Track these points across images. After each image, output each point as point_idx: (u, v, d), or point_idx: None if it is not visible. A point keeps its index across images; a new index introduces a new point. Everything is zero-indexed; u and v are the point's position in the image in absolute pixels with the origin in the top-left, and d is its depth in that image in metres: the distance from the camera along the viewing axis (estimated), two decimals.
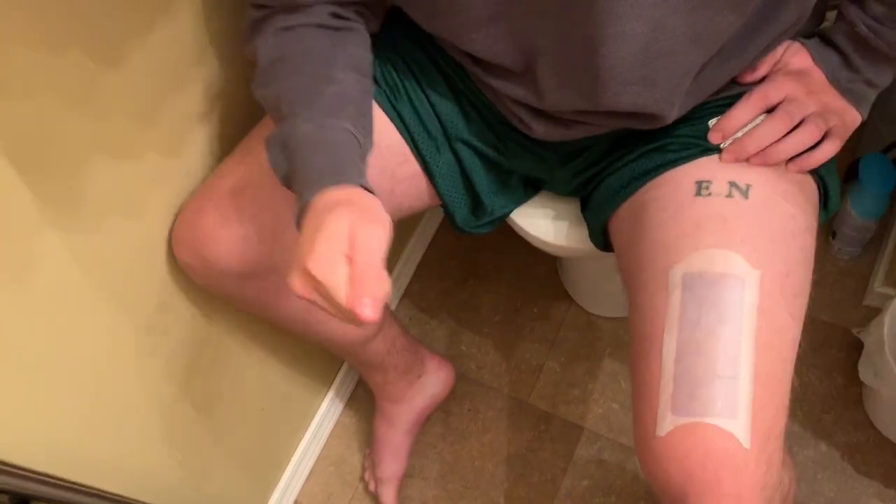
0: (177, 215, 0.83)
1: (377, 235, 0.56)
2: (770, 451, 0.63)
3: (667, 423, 0.63)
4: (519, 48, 0.68)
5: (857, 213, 1.15)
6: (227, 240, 0.79)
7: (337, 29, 0.72)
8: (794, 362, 0.67)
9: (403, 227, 1.36)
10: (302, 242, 0.58)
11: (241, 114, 0.89)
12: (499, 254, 1.41)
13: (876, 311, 1.22)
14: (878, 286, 1.20)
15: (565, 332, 1.32)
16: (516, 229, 0.95)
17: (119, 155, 0.74)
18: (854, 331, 1.13)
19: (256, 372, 1.08)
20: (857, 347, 1.16)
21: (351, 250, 0.55)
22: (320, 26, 0.71)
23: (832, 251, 1.27)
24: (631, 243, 0.74)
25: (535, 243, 0.94)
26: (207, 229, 0.79)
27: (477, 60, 0.74)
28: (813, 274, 0.71)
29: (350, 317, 0.54)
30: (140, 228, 0.80)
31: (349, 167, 0.63)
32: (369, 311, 0.53)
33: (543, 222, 0.93)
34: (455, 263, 1.42)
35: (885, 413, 1.09)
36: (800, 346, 0.68)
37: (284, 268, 0.82)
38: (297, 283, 0.57)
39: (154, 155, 0.79)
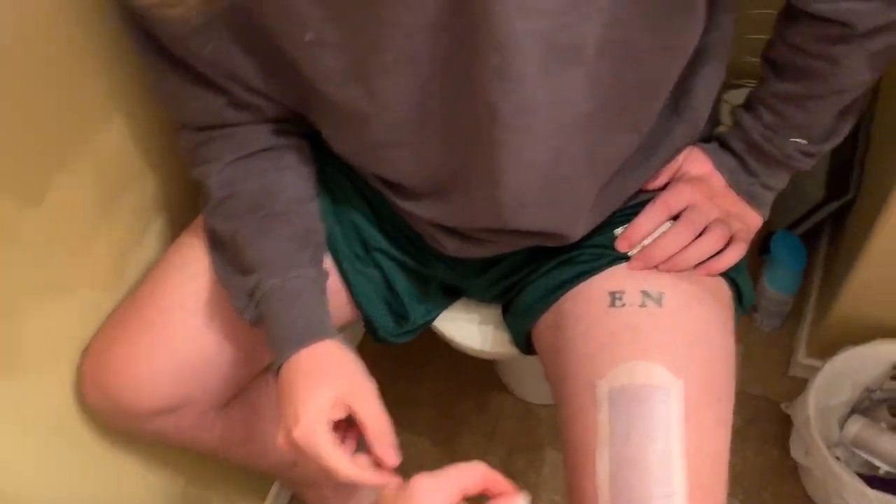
0: (83, 352, 0.79)
1: (372, 404, 0.65)
2: None
3: None
4: (425, 172, 0.69)
5: (773, 289, 1.18)
6: (138, 378, 0.76)
7: (281, 149, 0.75)
8: (726, 466, 0.66)
9: None
10: (285, 408, 0.64)
11: (151, 231, 0.87)
12: (428, 349, 1.39)
13: (801, 382, 1.24)
14: (801, 358, 1.22)
15: (503, 422, 1.31)
16: (441, 336, 0.94)
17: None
18: (782, 406, 1.14)
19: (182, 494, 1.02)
20: (788, 420, 1.17)
21: (348, 429, 0.66)
22: (266, 151, 0.74)
23: (755, 323, 1.30)
24: (554, 353, 0.74)
25: (460, 349, 0.93)
26: (116, 368, 0.76)
27: (388, 182, 0.74)
28: (737, 354, 0.71)
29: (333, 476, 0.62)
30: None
31: (320, 324, 0.69)
32: (395, 458, 0.63)
33: (468, 328, 0.92)
34: (386, 363, 1.39)
35: (819, 489, 1.09)
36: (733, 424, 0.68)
37: (203, 399, 0.81)
38: (285, 447, 0.64)
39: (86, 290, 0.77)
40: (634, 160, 0.69)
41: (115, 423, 0.80)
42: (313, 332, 0.67)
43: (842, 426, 1.10)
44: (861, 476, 0.97)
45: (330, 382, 0.64)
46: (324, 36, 0.59)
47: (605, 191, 0.69)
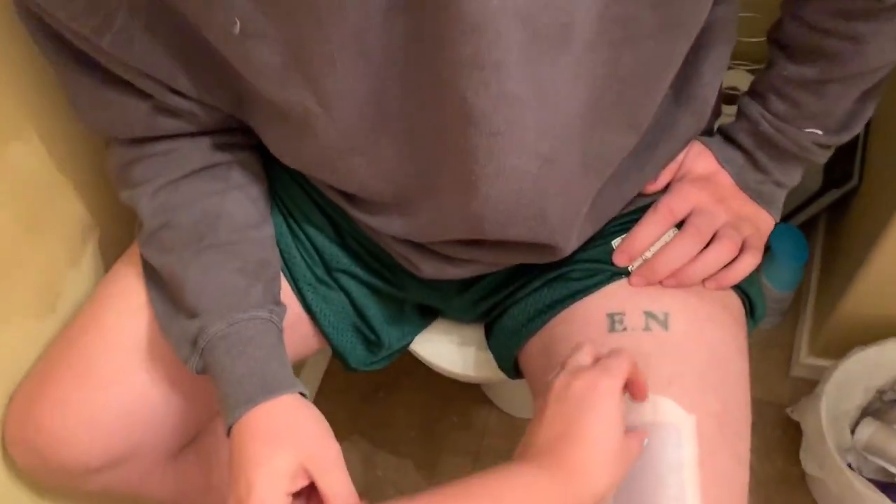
0: (7, 406, 0.69)
1: (336, 472, 0.56)
2: None
3: None
4: (386, 183, 0.59)
5: (773, 285, 1.11)
6: (71, 430, 0.66)
7: (223, 167, 0.65)
8: None
9: None
10: (237, 476, 0.55)
11: (82, 262, 0.76)
12: (407, 359, 1.30)
13: (804, 382, 1.17)
14: (803, 358, 1.15)
15: (489, 440, 1.22)
16: (419, 358, 0.85)
17: None
18: (787, 411, 1.06)
19: None
20: (793, 424, 1.10)
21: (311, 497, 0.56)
22: (206, 169, 0.64)
23: None
24: (545, 384, 0.65)
25: (441, 372, 0.84)
26: (44, 421, 0.66)
27: (346, 195, 0.64)
28: None
29: None
30: None
31: (274, 378, 0.59)
32: None
33: (447, 350, 0.83)
34: (362, 376, 1.30)
35: (834, 501, 1.02)
36: None
37: (151, 450, 0.71)
38: None
39: None
40: (633, 160, 0.60)
41: (51, 483, 0.70)
42: (267, 388, 0.58)
43: (853, 431, 1.03)
44: (875, 483, 0.91)
45: (288, 447, 0.55)
46: (255, 26, 0.49)
47: (599, 197, 0.60)
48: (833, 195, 1.10)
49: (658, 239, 0.64)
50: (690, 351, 0.60)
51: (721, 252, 0.63)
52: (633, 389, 0.56)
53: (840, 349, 1.02)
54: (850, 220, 1.10)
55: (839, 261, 1.10)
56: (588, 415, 0.50)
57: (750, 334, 0.68)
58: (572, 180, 0.55)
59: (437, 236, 0.63)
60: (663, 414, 0.57)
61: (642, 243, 0.64)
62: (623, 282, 0.64)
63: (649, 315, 0.61)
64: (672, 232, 0.65)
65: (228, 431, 0.58)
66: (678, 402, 0.57)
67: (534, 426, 0.53)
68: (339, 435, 1.23)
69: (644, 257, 0.64)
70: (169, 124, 0.61)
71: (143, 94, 0.58)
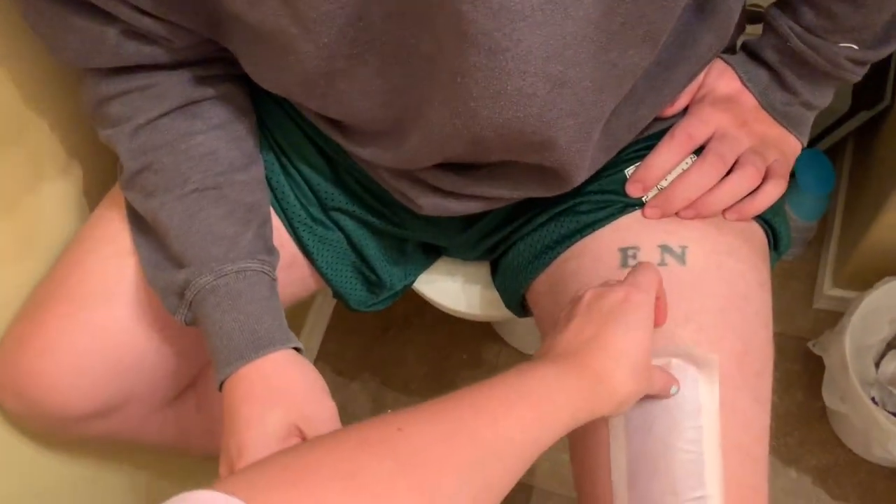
0: None
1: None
2: None
3: None
4: (374, 109, 0.54)
5: (797, 215, 1.06)
6: (59, 377, 0.63)
7: (206, 102, 0.60)
8: (767, 459, 0.55)
9: None
10: (228, 436, 0.53)
11: (65, 203, 0.72)
12: (416, 297, 1.27)
13: (827, 315, 1.13)
14: (827, 289, 1.10)
15: None
16: (424, 297, 0.81)
17: None
18: (809, 344, 1.03)
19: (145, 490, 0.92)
20: (814, 357, 1.06)
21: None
22: (188, 106, 0.59)
23: None
24: (554, 323, 0.61)
25: (446, 311, 0.81)
26: (32, 367, 0.63)
27: (335, 123, 0.59)
28: None
29: None
30: None
31: (267, 333, 0.55)
32: None
33: (452, 289, 0.79)
34: (371, 315, 1.27)
35: (857, 436, 0.99)
36: None
37: (147, 396, 0.69)
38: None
39: None
40: (649, 81, 0.55)
41: (41, 428, 0.68)
42: (259, 345, 0.54)
43: (877, 364, 0.99)
44: None
45: (280, 406, 0.52)
46: None
47: (613, 122, 0.55)
48: (863, 117, 1.03)
49: (675, 167, 0.59)
50: (709, 287, 0.56)
51: (743, 180, 0.58)
52: (654, 311, 0.53)
53: (866, 280, 0.97)
54: (880, 143, 1.03)
55: (867, 187, 1.04)
56: (618, 325, 0.49)
57: (773, 268, 0.64)
58: (584, 103, 0.50)
59: (430, 165, 0.58)
60: (681, 353, 0.53)
61: (658, 171, 0.59)
62: (636, 214, 0.59)
63: (665, 249, 0.57)
64: (690, 159, 0.60)
65: (220, 387, 0.55)
66: (697, 342, 0.54)
67: (556, 334, 0.51)
68: (349, 374, 1.23)
69: (660, 187, 0.59)
70: (142, 52, 0.56)
71: (111, 17, 0.53)
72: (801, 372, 1.11)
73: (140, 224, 0.62)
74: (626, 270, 0.57)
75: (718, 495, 0.51)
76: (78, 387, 0.64)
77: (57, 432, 0.68)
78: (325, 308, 1.27)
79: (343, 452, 0.36)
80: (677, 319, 0.54)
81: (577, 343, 0.49)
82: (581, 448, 0.57)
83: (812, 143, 1.09)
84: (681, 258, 0.56)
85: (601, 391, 0.47)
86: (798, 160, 1.03)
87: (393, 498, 0.35)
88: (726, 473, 0.51)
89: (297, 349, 0.56)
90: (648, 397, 0.52)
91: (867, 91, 1.03)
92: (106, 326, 0.64)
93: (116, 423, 0.69)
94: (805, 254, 1.17)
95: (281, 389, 0.53)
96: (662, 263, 0.56)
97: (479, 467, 0.39)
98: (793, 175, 1.03)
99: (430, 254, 0.78)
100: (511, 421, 0.42)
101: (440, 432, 0.40)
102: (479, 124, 0.50)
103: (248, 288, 0.56)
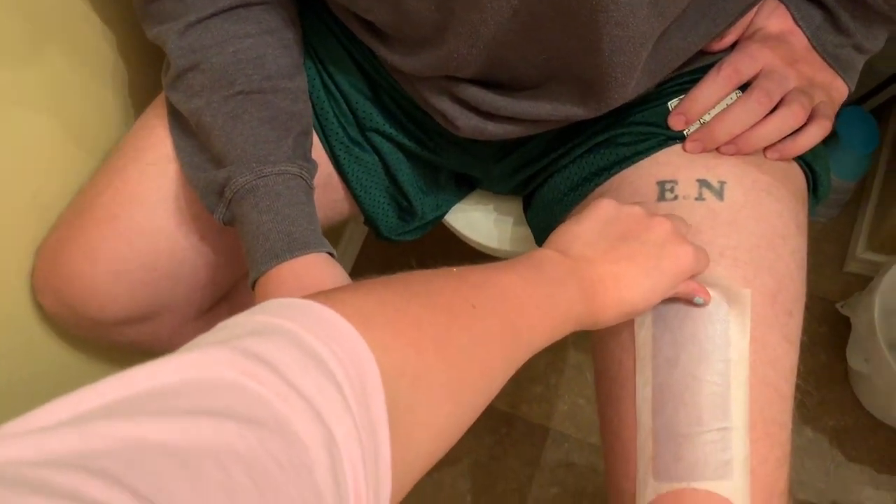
0: (36, 252, 0.68)
1: None
2: None
3: (648, 491, 0.51)
4: (417, 14, 0.53)
5: (836, 174, 1.04)
6: (98, 281, 0.65)
7: (257, 7, 0.60)
8: (793, 398, 0.55)
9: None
10: None
11: (110, 110, 0.73)
12: (445, 235, 1.28)
13: (857, 278, 1.12)
14: (860, 252, 1.09)
15: None
16: (453, 231, 0.81)
17: None
18: (838, 305, 1.02)
19: None
20: (841, 320, 1.06)
21: None
22: (239, 8, 0.59)
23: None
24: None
25: (476, 247, 0.81)
26: (72, 270, 0.65)
27: (379, 33, 0.59)
28: None
29: None
30: None
31: (302, 235, 0.56)
32: None
33: (483, 223, 0.79)
34: (399, 249, 1.28)
35: (878, 398, 0.99)
36: None
37: (181, 306, 0.70)
38: None
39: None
40: (703, 7, 0.54)
41: (79, 331, 0.70)
42: (294, 246, 0.55)
43: None
44: None
45: None
46: None
47: (662, 44, 0.54)
48: None
49: (719, 101, 0.58)
50: (745, 223, 0.55)
51: (787, 118, 0.57)
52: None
53: None
54: None
55: None
56: (647, 276, 0.49)
57: (812, 212, 0.63)
58: (635, 14, 0.49)
59: (475, 70, 0.57)
60: (712, 288, 0.53)
61: (702, 105, 0.58)
62: (677, 147, 0.58)
63: (703, 183, 0.56)
64: (735, 95, 0.59)
65: (253, 285, 0.56)
66: (730, 277, 0.54)
67: (569, 229, 0.52)
68: None
69: (702, 121, 0.58)
70: None
71: None
72: (827, 333, 1.11)
73: (182, 127, 0.63)
74: (663, 204, 0.57)
75: (743, 427, 0.51)
76: (115, 292, 0.65)
77: (92, 335, 0.70)
78: (353, 240, 1.28)
79: (439, 298, 0.40)
80: (712, 254, 0.54)
81: (590, 253, 0.50)
82: (606, 378, 0.57)
83: (858, 102, 1.07)
84: (719, 193, 0.56)
85: (584, 312, 0.48)
86: (842, 118, 1.02)
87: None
88: (752, 408, 0.51)
89: (330, 254, 0.57)
90: (679, 329, 0.53)
91: None
92: (145, 232, 0.65)
93: (150, 331, 0.70)
94: (839, 217, 1.16)
95: (312, 289, 0.54)
96: (700, 198, 0.56)
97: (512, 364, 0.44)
98: (835, 133, 1.01)
99: (463, 186, 0.78)
100: (536, 329, 0.45)
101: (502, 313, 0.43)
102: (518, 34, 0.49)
103: (286, 191, 0.57)
